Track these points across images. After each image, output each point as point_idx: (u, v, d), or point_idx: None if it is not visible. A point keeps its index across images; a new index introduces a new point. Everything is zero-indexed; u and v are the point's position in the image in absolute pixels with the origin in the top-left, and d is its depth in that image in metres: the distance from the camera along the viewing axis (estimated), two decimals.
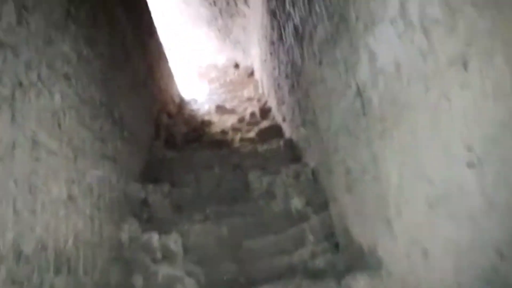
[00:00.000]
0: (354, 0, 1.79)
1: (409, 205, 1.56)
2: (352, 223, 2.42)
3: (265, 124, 5.30)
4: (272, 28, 4.37)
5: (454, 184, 1.21)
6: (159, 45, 5.66)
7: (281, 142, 4.33)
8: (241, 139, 5.06)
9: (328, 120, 2.58)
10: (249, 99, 6.83)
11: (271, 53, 4.91)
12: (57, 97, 1.83)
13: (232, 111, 6.38)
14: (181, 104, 6.75)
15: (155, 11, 5.46)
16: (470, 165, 1.11)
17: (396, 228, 1.73)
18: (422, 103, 1.31)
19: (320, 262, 2.64)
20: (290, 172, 3.52)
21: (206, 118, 6.18)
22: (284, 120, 4.72)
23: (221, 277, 2.75)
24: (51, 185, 1.70)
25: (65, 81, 1.95)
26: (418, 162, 1.42)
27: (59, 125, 1.84)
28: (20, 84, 1.50)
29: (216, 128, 5.67)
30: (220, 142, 5.00)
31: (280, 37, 3.90)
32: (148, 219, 3.31)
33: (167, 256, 2.89)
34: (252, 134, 5.14)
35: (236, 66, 8.28)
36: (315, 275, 2.55)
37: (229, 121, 5.94)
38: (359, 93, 1.90)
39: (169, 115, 5.72)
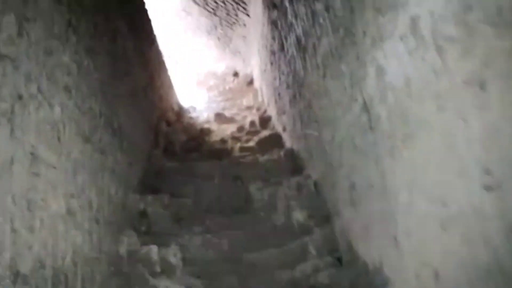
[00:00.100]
0: (361, 15, 1.77)
1: (419, 225, 1.52)
2: (356, 238, 2.37)
3: (265, 133, 5.27)
4: (273, 38, 4.36)
5: (469, 206, 1.17)
6: (159, 54, 5.64)
7: (282, 153, 4.29)
8: (241, 149, 5.02)
9: (332, 133, 2.55)
10: (249, 108, 6.81)
11: (271, 63, 4.90)
12: (57, 109, 1.79)
13: (231, 120, 6.35)
14: (180, 112, 6.71)
15: (155, 19, 5.44)
16: (488, 188, 1.07)
17: (404, 247, 1.69)
18: (435, 122, 1.27)
19: (323, 278, 2.58)
20: (292, 184, 3.47)
21: (205, 126, 6.15)
22: (284, 129, 4.69)
23: None
24: (50, 201, 1.65)
25: (65, 93, 1.90)
26: (430, 182, 1.38)
27: (59, 138, 1.79)
28: (20, 97, 1.46)
29: (215, 137, 5.63)
30: (220, 152, 4.96)
31: (282, 48, 3.88)
32: (147, 231, 3.24)
33: (166, 269, 2.82)
34: (252, 144, 5.10)
35: (236, 74, 8.27)
36: None
37: (229, 129, 5.91)
38: (366, 107, 1.87)
39: (168, 123, 5.68)
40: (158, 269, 2.78)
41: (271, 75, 5.06)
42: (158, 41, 5.51)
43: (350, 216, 2.44)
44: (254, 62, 6.75)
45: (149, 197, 3.45)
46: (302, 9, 2.80)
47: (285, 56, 3.79)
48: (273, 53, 4.59)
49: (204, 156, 4.75)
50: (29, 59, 1.53)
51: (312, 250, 2.90)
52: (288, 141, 4.50)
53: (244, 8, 5.71)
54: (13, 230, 1.34)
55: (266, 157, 4.40)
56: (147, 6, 4.85)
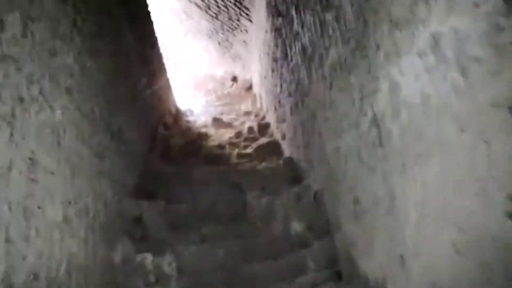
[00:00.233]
0: (375, 28, 1.73)
1: (430, 246, 1.47)
2: (358, 253, 2.32)
3: (263, 140, 5.22)
4: (276, 45, 4.32)
5: (489, 233, 1.13)
6: (159, 56, 5.58)
7: (281, 161, 4.24)
8: (239, 155, 4.96)
9: (336, 145, 2.51)
10: (247, 113, 6.76)
11: (273, 70, 4.86)
12: (58, 112, 1.72)
13: (229, 125, 6.29)
14: (178, 115, 6.64)
15: (155, 19, 5.38)
16: (511, 215, 1.03)
17: (412, 267, 1.64)
18: (454, 142, 1.23)
19: None
20: (291, 194, 3.42)
21: (203, 130, 6.08)
22: (283, 138, 4.64)
23: None
24: (47, 208, 1.58)
25: (67, 95, 1.84)
26: (444, 204, 1.34)
27: (58, 143, 1.72)
28: (21, 99, 1.39)
29: (213, 142, 5.56)
30: (217, 157, 4.89)
31: (285, 56, 3.85)
32: (142, 238, 3.16)
33: (161, 279, 2.75)
34: (250, 150, 5.04)
35: (234, 79, 8.22)
36: None
37: (226, 135, 5.85)
38: (376, 122, 1.83)
39: (166, 126, 5.61)
40: (152, 279, 2.71)
41: (272, 82, 5.02)
42: (158, 42, 5.45)
43: (352, 230, 2.39)
44: (254, 68, 6.72)
45: (145, 203, 3.37)
46: (310, 19, 2.76)
47: (288, 64, 3.76)
48: (275, 60, 4.56)
49: (201, 162, 4.69)
50: (33, 60, 1.46)
51: (311, 263, 2.84)
52: (287, 150, 4.45)
53: (246, 14, 5.68)
54: (8, 241, 1.27)
55: (264, 164, 4.35)
56: (149, 7, 4.79)
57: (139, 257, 2.76)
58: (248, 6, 5.51)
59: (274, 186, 3.79)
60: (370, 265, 2.14)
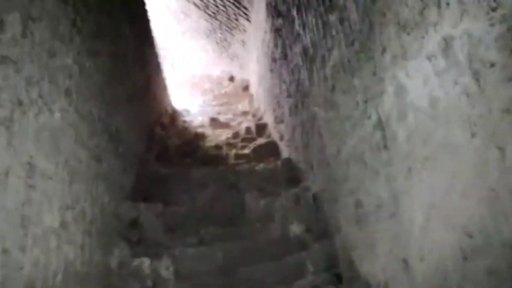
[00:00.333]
0: (381, 31, 1.71)
1: (436, 251, 1.45)
2: (359, 257, 2.30)
3: (261, 141, 5.19)
4: (276, 46, 4.29)
5: (499, 239, 1.11)
6: (156, 55, 5.52)
7: (279, 162, 4.21)
8: (236, 156, 4.93)
9: (337, 147, 2.49)
10: (244, 113, 6.72)
11: (271, 70, 4.83)
12: (57, 115, 1.68)
13: (226, 125, 6.25)
14: (174, 115, 6.58)
15: (153, 18, 5.32)
16: None
17: (416, 272, 1.62)
18: (464, 147, 1.21)
19: None
20: (290, 196, 3.39)
21: (200, 130, 6.03)
22: (281, 138, 4.62)
23: None
24: (44, 214, 1.54)
25: (66, 97, 1.79)
26: (452, 208, 1.32)
27: (57, 146, 1.68)
28: (20, 102, 1.35)
29: (210, 142, 5.52)
30: (215, 158, 4.85)
31: (285, 56, 3.82)
32: (139, 241, 3.12)
33: (158, 283, 2.71)
34: (247, 151, 5.01)
35: (231, 78, 8.18)
36: None
37: (223, 135, 5.81)
38: (381, 125, 1.81)
39: (162, 127, 5.56)
40: (149, 283, 2.66)
41: (270, 83, 4.99)
42: (156, 42, 5.40)
43: (353, 233, 2.37)
44: (252, 68, 6.68)
45: (142, 205, 3.32)
46: (312, 20, 2.74)
47: (288, 65, 3.73)
48: (274, 60, 4.53)
49: (198, 162, 4.64)
50: (32, 61, 1.42)
51: (310, 265, 2.82)
52: (285, 151, 4.43)
53: (245, 13, 5.64)
54: (4, 251, 1.23)
55: (262, 165, 4.32)
56: (147, 6, 4.74)
57: (136, 261, 2.71)
58: (247, 6, 5.48)
59: (273, 188, 3.76)
60: (372, 268, 2.12)
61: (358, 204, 2.22)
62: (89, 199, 2.14)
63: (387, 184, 1.80)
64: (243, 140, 5.43)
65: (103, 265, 2.35)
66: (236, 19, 6.02)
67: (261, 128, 5.58)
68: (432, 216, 1.45)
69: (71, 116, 1.86)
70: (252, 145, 5.09)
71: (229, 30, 6.64)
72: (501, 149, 1.07)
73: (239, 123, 6.23)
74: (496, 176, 1.08)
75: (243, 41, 6.62)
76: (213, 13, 6.24)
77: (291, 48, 3.53)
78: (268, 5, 4.44)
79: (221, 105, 7.39)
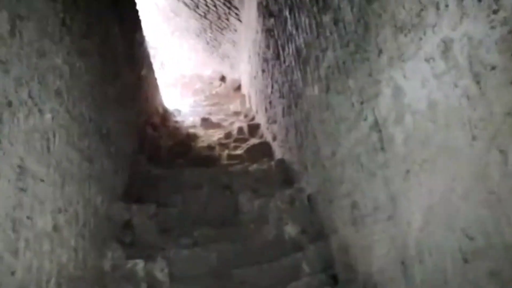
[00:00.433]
0: (377, 32, 1.70)
1: (435, 254, 1.45)
2: (356, 258, 2.30)
3: (253, 141, 5.17)
4: (267, 46, 4.28)
5: (500, 241, 1.11)
6: (146, 55, 5.46)
7: (273, 163, 4.20)
8: (229, 156, 4.90)
9: (332, 148, 2.48)
10: (236, 114, 6.69)
11: (263, 70, 4.81)
12: (48, 116, 1.63)
13: (218, 125, 6.22)
14: (165, 115, 6.52)
15: (143, 17, 5.25)
16: None
17: (414, 275, 1.62)
18: (465, 150, 1.21)
19: None
20: (284, 197, 3.38)
21: (191, 131, 5.98)
22: (274, 139, 4.60)
23: None
24: (36, 218, 1.49)
25: (57, 98, 1.74)
26: (452, 211, 1.32)
27: (48, 148, 1.63)
28: (9, 103, 1.30)
29: (202, 143, 5.48)
30: (207, 159, 4.82)
31: (277, 57, 3.80)
32: (132, 243, 3.07)
33: (153, 286, 2.67)
34: (240, 151, 4.99)
35: (223, 78, 8.14)
36: None
37: (215, 135, 5.78)
38: (377, 127, 1.80)
39: (154, 127, 5.49)
40: (144, 286, 2.62)
41: (262, 83, 4.97)
42: (146, 41, 5.33)
43: (349, 234, 2.37)
44: (244, 68, 6.66)
45: (135, 207, 3.28)
46: (305, 20, 2.73)
47: (280, 65, 3.72)
48: (266, 61, 4.51)
49: (191, 163, 4.60)
50: (21, 62, 1.37)
51: (306, 267, 2.81)
52: (278, 151, 4.42)
53: (236, 13, 5.61)
54: None
55: (255, 166, 4.30)
56: (138, 5, 4.67)
57: (129, 264, 2.67)
58: (238, 6, 5.45)
59: (267, 189, 3.74)
60: (369, 270, 2.11)
61: (354, 205, 2.21)
62: (81, 201, 2.10)
63: (384, 186, 1.80)
64: (236, 140, 5.40)
65: (96, 268, 2.30)
66: (227, 19, 5.99)
67: (253, 129, 5.56)
68: (431, 218, 1.45)
69: (62, 117, 1.82)
70: (244, 146, 5.07)
71: (219, 30, 6.60)
72: (502, 152, 1.07)
73: (231, 124, 6.20)
74: (498, 179, 1.08)
75: (234, 41, 6.59)
76: (203, 12, 6.20)
77: (283, 49, 3.52)
78: (259, 5, 4.41)
79: (213, 105, 7.35)
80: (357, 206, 2.17)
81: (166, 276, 2.72)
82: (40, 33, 1.58)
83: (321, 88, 2.57)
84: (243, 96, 7.03)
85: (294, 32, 3.08)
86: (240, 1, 5.35)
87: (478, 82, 1.12)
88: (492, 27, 1.04)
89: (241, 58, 6.70)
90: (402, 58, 1.52)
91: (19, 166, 1.36)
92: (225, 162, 4.73)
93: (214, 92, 7.95)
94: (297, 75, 3.14)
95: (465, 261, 1.27)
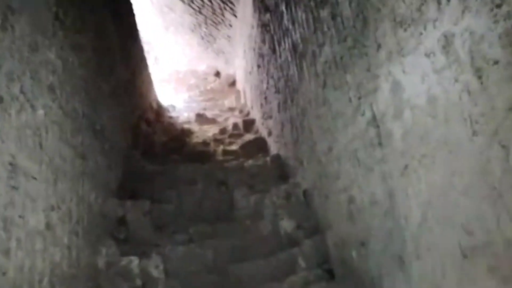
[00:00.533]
0: (376, 26, 1.68)
1: (434, 250, 1.45)
2: (352, 253, 2.30)
3: (249, 137, 5.15)
4: (263, 41, 4.24)
5: (501, 237, 1.10)
6: (141, 50, 5.39)
7: (268, 158, 4.18)
8: (224, 152, 4.88)
9: (329, 143, 2.47)
10: (231, 109, 6.66)
11: (258, 66, 4.78)
12: (40, 112, 1.59)
13: (213, 121, 6.18)
14: (160, 111, 6.46)
15: (137, 12, 5.18)
16: None
17: (412, 270, 1.62)
18: (465, 145, 1.20)
19: None
20: (280, 192, 3.37)
21: (186, 126, 5.94)
22: (270, 134, 4.59)
23: None
24: (29, 216, 1.46)
25: (49, 94, 1.70)
26: (451, 206, 1.31)
27: (41, 145, 1.60)
28: (1, 99, 1.27)
29: (197, 139, 5.45)
30: (202, 154, 4.79)
31: (273, 52, 3.77)
32: (126, 240, 3.05)
33: (148, 283, 2.65)
34: (235, 147, 4.97)
35: (217, 74, 8.09)
36: None
37: (210, 131, 5.75)
38: (375, 122, 1.79)
39: (148, 123, 5.45)
40: (139, 282, 2.60)
41: (258, 78, 4.94)
42: (140, 35, 5.26)
43: (346, 229, 2.37)
44: (238, 63, 6.61)
45: (129, 203, 3.25)
46: (302, 15, 2.70)
47: (276, 60, 3.69)
48: (261, 56, 4.48)
49: (185, 159, 4.57)
50: (12, 56, 1.33)
51: (302, 262, 2.81)
52: (273, 147, 4.40)
53: (231, 8, 5.56)
54: None
55: (251, 162, 4.28)
56: (132, 0, 4.61)
57: (124, 261, 2.64)
58: (233, 1, 5.40)
59: (262, 184, 3.73)
60: (365, 265, 2.11)
61: (351, 200, 2.21)
62: (74, 199, 2.06)
63: (381, 182, 1.79)
64: (231, 136, 5.38)
65: (90, 265, 2.28)
66: (222, 14, 5.93)
67: (248, 124, 5.53)
68: (429, 213, 1.44)
69: (54, 112, 1.78)
70: (240, 141, 5.05)
71: (214, 25, 6.54)
72: (504, 147, 1.06)
73: (226, 119, 6.17)
74: (499, 175, 1.07)
75: (229, 36, 6.54)
76: (198, 7, 6.13)
77: (279, 44, 3.49)
78: None
79: (207, 100, 7.30)
80: (354, 201, 2.17)
81: (161, 272, 2.70)
82: (32, 27, 1.54)
83: (317, 83, 2.55)
84: (238, 91, 6.99)
85: (290, 27, 3.05)
86: None
87: (479, 77, 1.11)
88: (495, 21, 1.02)
89: (236, 53, 6.65)
90: (402, 53, 1.51)
91: (11, 164, 1.33)
92: (220, 157, 4.71)
93: (208, 87, 7.90)
94: (293, 70, 3.12)
95: (464, 257, 1.27)
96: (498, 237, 1.12)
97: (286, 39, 3.22)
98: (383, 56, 1.66)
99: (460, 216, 1.27)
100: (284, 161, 3.92)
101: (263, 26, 4.09)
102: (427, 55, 1.35)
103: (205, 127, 5.90)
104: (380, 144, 1.78)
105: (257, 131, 5.27)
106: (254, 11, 4.48)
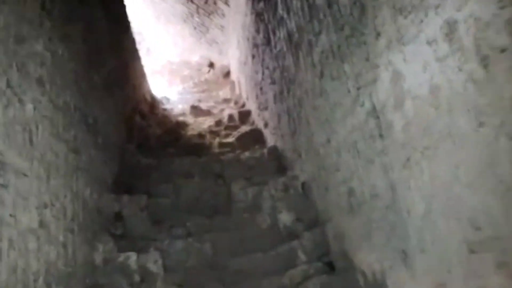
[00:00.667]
0: (375, 14, 1.63)
1: (439, 244, 1.42)
2: (353, 246, 2.28)
3: (245, 128, 5.10)
4: (257, 31, 4.17)
5: (510, 232, 1.07)
6: (132, 41, 5.29)
7: (265, 150, 4.14)
8: (220, 144, 4.83)
9: (327, 135, 2.43)
10: (226, 101, 6.59)
11: (253, 56, 4.71)
12: (29, 106, 1.53)
13: (208, 113, 6.12)
14: (153, 103, 6.38)
15: (127, 1, 5.06)
16: None
17: (416, 265, 1.59)
18: (470, 136, 1.17)
19: (315, 285, 2.48)
20: (278, 185, 3.34)
21: (181, 119, 5.88)
22: (266, 126, 4.54)
23: None
24: (20, 215, 1.41)
25: (38, 87, 1.64)
26: (457, 200, 1.28)
27: (31, 140, 1.54)
28: None
29: (192, 131, 5.39)
30: (198, 147, 4.73)
31: (268, 42, 3.71)
32: (123, 235, 3.01)
33: (146, 278, 2.62)
34: (231, 139, 4.92)
35: (211, 65, 7.99)
36: None
37: (206, 123, 5.69)
38: (375, 113, 1.75)
39: (142, 115, 5.37)
40: (137, 278, 2.57)
41: (253, 69, 4.87)
42: (132, 26, 5.16)
43: (346, 222, 2.34)
44: (232, 53, 6.52)
45: (125, 198, 3.20)
46: (296, 3, 2.63)
47: (271, 50, 3.62)
48: (256, 46, 4.40)
49: (181, 152, 4.52)
50: None
51: (302, 255, 2.79)
52: (270, 138, 4.36)
53: None
54: None
55: (248, 154, 4.24)
56: None
57: (122, 256, 2.61)
58: None
59: (260, 177, 3.70)
60: (367, 258, 2.10)
61: (351, 193, 2.18)
62: (69, 195, 2.01)
63: (383, 174, 1.76)
64: (226, 128, 5.33)
65: (87, 262, 2.24)
66: (214, 3, 5.83)
67: (244, 116, 5.48)
68: (433, 207, 1.42)
69: (44, 107, 1.72)
70: (236, 133, 5.00)
71: (206, 14, 6.42)
72: None
73: (221, 111, 6.10)
74: (508, 168, 1.04)
75: (222, 26, 6.43)
76: None
77: (274, 33, 3.42)
78: None
79: (202, 92, 7.22)
80: (354, 193, 2.14)
81: (159, 268, 2.67)
82: (17, 17, 1.47)
83: (314, 74, 2.50)
84: (233, 82, 6.91)
85: (285, 15, 2.99)
86: None
87: (485, 66, 1.07)
88: (502, 7, 0.98)
89: (230, 44, 6.56)
90: (402, 41, 1.46)
91: None
92: (216, 150, 4.66)
93: (202, 78, 7.81)
94: (289, 60, 3.06)
95: (471, 252, 1.24)
96: (507, 232, 1.09)
97: (281, 28, 3.15)
98: (382, 45, 1.61)
99: (465, 209, 1.25)
100: (281, 153, 3.89)
101: (257, 15, 4.01)
102: (429, 43, 1.30)
103: (200, 119, 5.84)
104: (380, 135, 1.74)
105: (253, 123, 5.22)
106: None
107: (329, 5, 2.12)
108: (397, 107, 1.57)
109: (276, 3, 3.19)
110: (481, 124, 1.11)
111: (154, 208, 3.32)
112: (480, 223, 1.18)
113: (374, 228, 1.93)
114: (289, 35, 2.97)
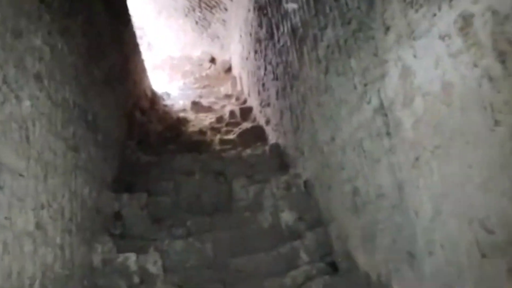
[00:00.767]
0: (384, 8, 1.57)
1: (448, 246, 1.37)
2: (357, 247, 2.23)
3: (246, 125, 5.04)
4: (260, 25, 4.10)
5: None
6: (133, 35, 5.23)
7: (267, 147, 4.09)
8: (221, 141, 4.77)
9: (332, 132, 2.38)
10: (227, 96, 6.53)
11: (255, 51, 4.65)
12: (26, 103, 1.48)
13: (209, 109, 6.06)
14: (154, 99, 6.32)
15: None
16: None
17: (424, 267, 1.55)
18: (484, 136, 1.11)
19: (317, 286, 2.44)
20: (280, 183, 3.29)
21: (182, 115, 5.82)
22: (268, 123, 4.49)
23: None
24: (16, 217, 1.36)
25: (36, 83, 1.59)
26: (468, 201, 1.23)
27: (28, 138, 1.49)
28: None
29: (193, 127, 5.33)
30: (199, 144, 4.68)
31: (271, 36, 3.64)
32: (123, 235, 2.96)
33: (146, 279, 2.57)
34: (232, 136, 4.86)
35: (213, 60, 7.92)
36: None
37: (207, 119, 5.63)
38: (383, 110, 1.70)
39: (142, 111, 5.32)
40: (136, 280, 2.53)
41: (255, 64, 4.81)
42: (132, 21, 5.09)
43: (350, 222, 2.30)
44: (234, 48, 6.45)
45: (125, 196, 3.16)
46: None
47: (274, 45, 3.56)
48: (258, 41, 4.34)
49: (182, 149, 4.46)
50: None
51: (304, 255, 2.74)
52: (272, 135, 4.30)
53: None
54: None
55: (249, 151, 4.18)
56: None
57: (121, 257, 2.56)
58: None
59: (261, 175, 3.64)
60: (371, 260, 2.05)
61: (356, 192, 2.13)
62: (67, 194, 1.97)
63: (389, 173, 1.71)
64: (228, 124, 5.27)
65: (85, 264, 2.20)
66: None
67: (245, 112, 5.42)
68: (443, 208, 1.37)
69: (42, 103, 1.67)
70: (237, 130, 4.95)
71: (209, 8, 6.35)
72: None
73: (223, 107, 6.05)
74: None
75: (224, 21, 6.36)
76: None
77: (277, 28, 3.36)
78: None
79: (203, 87, 7.16)
80: (359, 192, 2.09)
81: (159, 268, 2.63)
82: (15, 10, 1.42)
83: (319, 69, 2.45)
84: (234, 78, 6.85)
85: (289, 9, 2.92)
86: None
87: (503, 62, 1.01)
88: None
89: (232, 38, 6.49)
90: (413, 36, 1.41)
91: None
92: (217, 147, 4.61)
93: (204, 74, 7.74)
94: (293, 55, 3.00)
95: (483, 256, 1.19)
96: None
97: (284, 23, 3.09)
98: (391, 40, 1.56)
99: (477, 211, 1.20)
100: (283, 151, 3.84)
101: (260, 9, 3.95)
102: (441, 38, 1.25)
103: (201, 115, 5.79)
104: (388, 133, 1.69)
105: (254, 119, 5.16)
106: None
107: None
108: (406, 104, 1.51)
109: None
110: (497, 123, 1.06)
111: (154, 206, 3.27)
112: (493, 226, 1.13)
113: (380, 229, 1.88)
114: (293, 30, 2.91)
